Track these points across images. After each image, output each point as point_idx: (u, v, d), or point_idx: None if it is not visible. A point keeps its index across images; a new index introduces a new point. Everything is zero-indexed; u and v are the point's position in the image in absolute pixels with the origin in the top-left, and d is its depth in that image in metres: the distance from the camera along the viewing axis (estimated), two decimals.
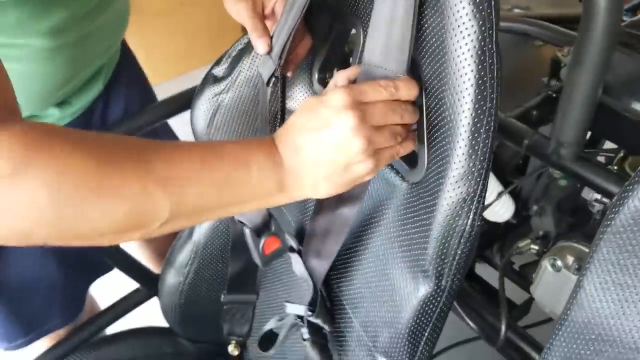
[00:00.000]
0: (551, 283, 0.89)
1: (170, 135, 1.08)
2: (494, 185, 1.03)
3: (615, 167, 0.84)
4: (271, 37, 0.63)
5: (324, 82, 0.70)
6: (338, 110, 0.46)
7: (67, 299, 0.96)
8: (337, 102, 0.46)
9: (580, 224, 1.00)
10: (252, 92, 0.74)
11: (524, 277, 1.11)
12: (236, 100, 0.74)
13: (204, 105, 0.75)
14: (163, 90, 1.05)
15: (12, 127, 0.39)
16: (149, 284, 0.99)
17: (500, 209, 1.07)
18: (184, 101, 0.85)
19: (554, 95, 0.82)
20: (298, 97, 0.73)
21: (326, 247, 0.61)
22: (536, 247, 0.95)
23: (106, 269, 1.04)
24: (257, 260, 0.70)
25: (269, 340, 0.69)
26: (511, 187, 1.01)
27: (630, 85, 0.71)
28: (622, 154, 0.83)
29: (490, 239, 1.19)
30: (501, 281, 0.93)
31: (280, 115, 0.75)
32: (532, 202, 1.07)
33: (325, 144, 0.47)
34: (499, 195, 1.02)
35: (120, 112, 0.93)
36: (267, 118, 0.67)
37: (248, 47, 0.72)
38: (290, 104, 0.74)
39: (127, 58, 0.97)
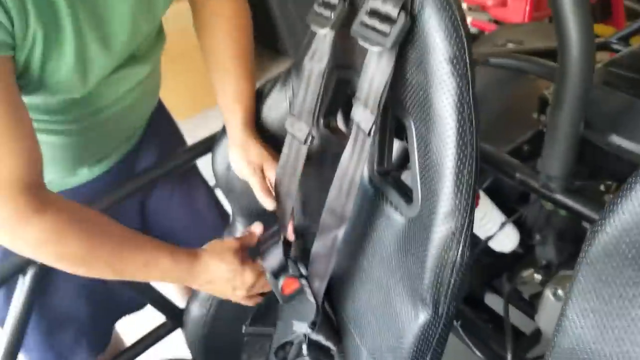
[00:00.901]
0: (554, 312, 0.92)
1: (195, 172, 1.15)
2: (497, 216, 1.08)
3: (612, 196, 0.88)
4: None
5: (328, 126, 0.77)
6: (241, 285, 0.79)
7: (94, 335, 1.03)
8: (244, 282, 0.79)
9: None
10: (266, 138, 0.81)
11: (533, 306, 1.14)
12: None
13: (222, 152, 0.82)
14: (183, 128, 1.14)
15: (45, 214, 0.64)
16: (174, 317, 1.06)
17: (505, 239, 1.12)
18: (206, 146, 0.93)
19: (544, 130, 0.87)
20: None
21: (323, 268, 0.70)
22: (539, 277, 1.00)
23: (131, 310, 1.11)
24: (279, 298, 0.77)
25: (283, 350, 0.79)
26: (513, 217, 1.06)
27: (611, 121, 0.76)
28: (616, 184, 0.88)
29: (498, 269, 1.23)
30: (506, 310, 0.97)
31: None
32: (536, 231, 1.11)
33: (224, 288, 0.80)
34: (502, 225, 1.07)
35: (152, 159, 1.01)
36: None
37: (260, 99, 0.80)
38: None
39: (158, 109, 1.05)
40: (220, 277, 0.78)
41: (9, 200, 0.61)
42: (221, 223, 1.15)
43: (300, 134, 0.73)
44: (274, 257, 0.78)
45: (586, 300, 0.52)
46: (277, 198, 0.79)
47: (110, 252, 0.71)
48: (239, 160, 0.83)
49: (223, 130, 0.83)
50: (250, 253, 0.82)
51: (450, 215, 0.54)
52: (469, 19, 2.16)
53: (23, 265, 0.84)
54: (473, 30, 2.17)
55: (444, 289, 0.57)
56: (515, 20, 1.97)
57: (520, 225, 1.15)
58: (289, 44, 2.78)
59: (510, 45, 1.30)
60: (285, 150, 0.76)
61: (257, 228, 0.84)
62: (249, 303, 0.85)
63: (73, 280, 0.90)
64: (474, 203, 0.55)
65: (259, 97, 0.83)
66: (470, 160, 0.52)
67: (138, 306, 1.11)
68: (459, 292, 0.59)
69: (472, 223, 0.56)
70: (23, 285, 0.85)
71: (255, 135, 0.83)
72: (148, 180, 0.93)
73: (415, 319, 0.60)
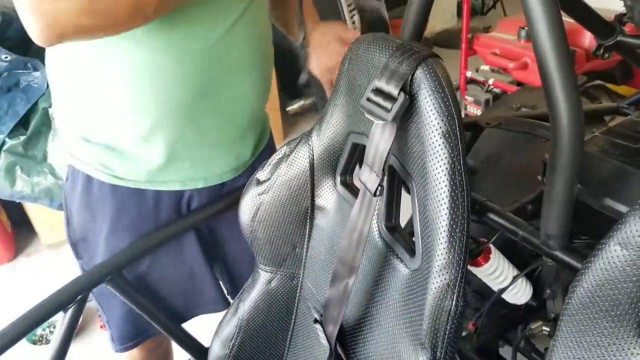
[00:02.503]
0: None
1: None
2: (509, 270, 1.13)
3: None
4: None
5: (344, 183, 0.86)
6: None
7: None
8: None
9: None
10: (288, 192, 0.90)
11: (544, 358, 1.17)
12: (275, 199, 0.90)
13: (248, 204, 0.91)
14: None
15: None
16: (199, 356, 1.13)
17: (517, 293, 1.16)
18: (235, 198, 1.01)
19: None
20: (325, 195, 0.89)
21: (335, 313, 0.77)
22: (547, 329, 1.04)
23: (203, 311, 1.18)
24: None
25: None
26: (525, 272, 1.11)
27: (605, 185, 0.82)
28: None
29: (512, 321, 1.27)
30: (514, 358, 1.01)
31: (310, 209, 0.91)
32: (546, 286, 1.16)
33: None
34: (514, 279, 1.12)
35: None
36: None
37: (284, 157, 0.89)
38: (318, 201, 0.89)
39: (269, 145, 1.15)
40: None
41: None
42: None
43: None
44: None
45: (568, 348, 0.58)
46: None
47: None
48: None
49: (249, 184, 0.92)
50: None
51: (445, 268, 0.61)
52: (491, 81, 2.25)
53: (65, 303, 0.93)
54: (495, 91, 2.26)
55: (440, 335, 0.63)
56: (535, 83, 2.05)
57: (535, 279, 1.20)
58: (318, 100, 2.90)
59: (525, 110, 1.38)
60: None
61: None
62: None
63: (151, 276, 1.06)
64: (466, 258, 0.61)
65: (282, 156, 0.92)
66: (462, 220, 0.60)
67: (219, 305, 1.17)
68: (455, 338, 0.65)
69: (465, 275, 0.62)
70: (63, 321, 0.94)
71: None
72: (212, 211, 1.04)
73: None
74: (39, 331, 1.89)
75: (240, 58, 0.93)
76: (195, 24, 0.84)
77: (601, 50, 1.05)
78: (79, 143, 0.96)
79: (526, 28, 2.17)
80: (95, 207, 1.00)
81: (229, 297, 1.22)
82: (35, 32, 0.70)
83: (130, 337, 1.12)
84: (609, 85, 2.21)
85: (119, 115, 0.90)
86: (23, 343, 1.42)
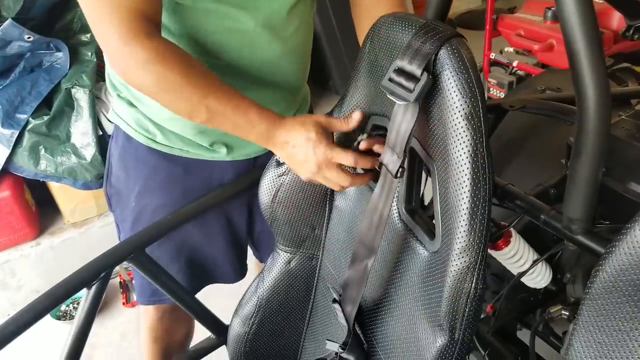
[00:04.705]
0: None
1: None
2: (529, 254, 1.13)
3: None
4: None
5: None
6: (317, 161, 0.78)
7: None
8: (315, 155, 0.77)
9: None
10: None
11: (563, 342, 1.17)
12: (295, 181, 0.91)
13: (267, 185, 0.92)
14: None
15: (154, 40, 0.77)
16: (219, 333, 1.14)
17: (537, 277, 1.15)
18: (255, 178, 1.02)
19: None
20: None
21: (354, 293, 0.77)
22: (566, 313, 1.03)
23: (221, 280, 1.20)
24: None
25: None
26: (545, 256, 1.10)
27: (631, 169, 0.81)
28: None
29: (531, 305, 1.26)
30: (532, 341, 1.00)
31: (330, 191, 0.91)
32: (567, 270, 1.14)
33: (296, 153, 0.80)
34: (534, 263, 1.11)
35: None
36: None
37: None
38: None
39: None
40: (296, 141, 0.79)
41: (124, 21, 0.74)
42: None
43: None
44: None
45: (589, 332, 0.58)
46: None
47: (207, 87, 0.79)
48: None
49: (268, 165, 0.92)
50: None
51: (465, 250, 0.61)
52: (515, 63, 2.21)
53: (88, 280, 0.95)
54: (520, 73, 2.22)
55: (459, 317, 0.63)
56: (561, 65, 2.01)
57: (555, 263, 1.19)
58: (338, 83, 2.89)
59: (549, 92, 1.35)
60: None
61: (356, 116, 0.79)
62: (314, 181, 0.82)
63: (172, 246, 1.09)
64: (487, 240, 0.61)
65: None
66: (484, 203, 0.59)
67: (230, 278, 1.19)
68: (474, 320, 0.65)
69: (486, 258, 0.62)
70: (87, 298, 0.96)
71: None
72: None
73: (433, 344, 0.66)
74: (63, 307, 1.93)
75: (262, 76, 0.95)
76: (212, 45, 0.90)
77: (631, 31, 1.02)
78: (123, 105, 1.01)
79: (552, 9, 2.12)
80: (131, 166, 1.05)
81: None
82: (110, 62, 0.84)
83: (146, 294, 1.16)
84: (636, 68, 2.15)
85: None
86: (48, 318, 1.46)
